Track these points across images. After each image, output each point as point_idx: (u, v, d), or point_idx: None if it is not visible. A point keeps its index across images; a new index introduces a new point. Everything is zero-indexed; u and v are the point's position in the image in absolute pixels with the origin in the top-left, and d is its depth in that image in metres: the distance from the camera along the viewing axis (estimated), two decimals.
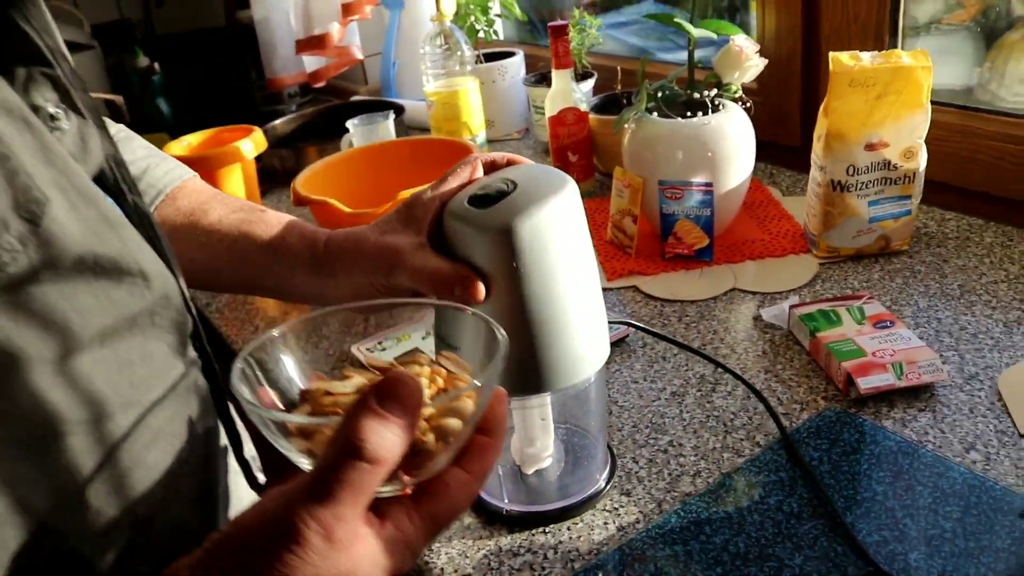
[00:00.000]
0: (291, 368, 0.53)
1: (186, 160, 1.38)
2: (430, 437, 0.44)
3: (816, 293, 1.03)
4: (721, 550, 0.69)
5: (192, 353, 0.57)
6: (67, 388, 0.45)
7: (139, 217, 0.54)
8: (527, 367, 0.65)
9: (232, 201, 0.79)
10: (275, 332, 0.53)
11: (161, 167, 0.81)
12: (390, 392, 0.40)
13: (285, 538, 0.38)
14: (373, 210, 1.08)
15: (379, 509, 0.43)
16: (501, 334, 0.50)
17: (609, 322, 0.74)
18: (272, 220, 0.76)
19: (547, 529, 0.74)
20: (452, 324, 0.61)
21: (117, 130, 0.80)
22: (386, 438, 0.39)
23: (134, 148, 0.80)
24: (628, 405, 0.88)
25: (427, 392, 0.47)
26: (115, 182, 0.53)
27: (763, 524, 0.71)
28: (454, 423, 0.45)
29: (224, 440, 0.61)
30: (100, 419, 0.46)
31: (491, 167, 0.70)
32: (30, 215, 0.42)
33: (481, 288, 0.62)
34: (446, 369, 0.52)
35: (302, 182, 1.20)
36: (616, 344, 0.98)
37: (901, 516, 0.70)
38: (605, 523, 0.74)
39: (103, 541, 0.47)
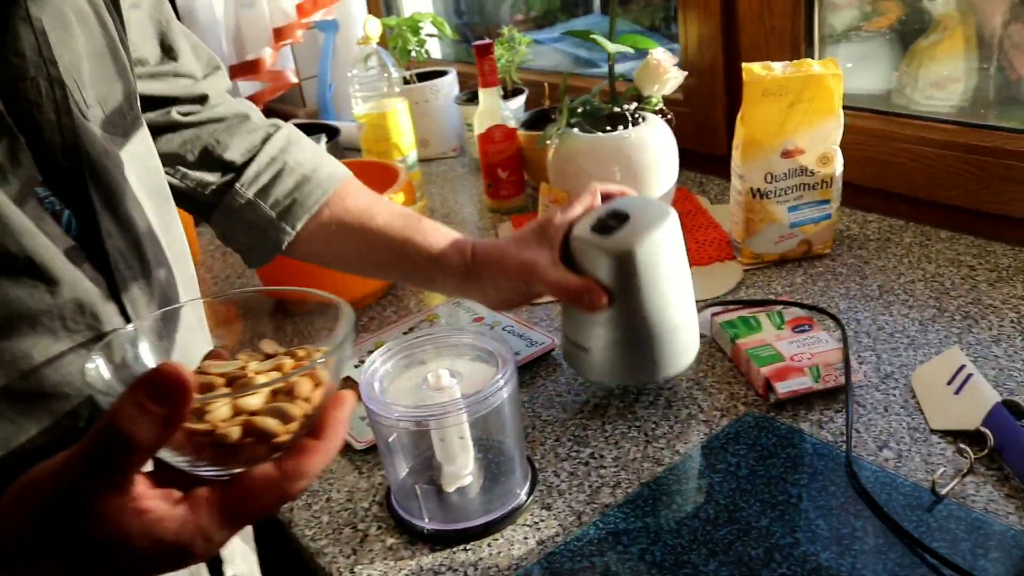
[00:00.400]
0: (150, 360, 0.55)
1: None
2: (234, 431, 0.44)
3: (721, 301, 1.04)
4: (638, 560, 0.69)
5: None
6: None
7: (78, 228, 0.57)
8: (643, 360, 0.83)
9: (393, 207, 0.90)
10: (128, 328, 0.55)
11: (327, 167, 0.90)
12: (152, 383, 0.40)
13: (59, 505, 0.41)
14: None
15: (186, 490, 0.44)
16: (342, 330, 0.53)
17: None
18: (429, 229, 0.88)
19: (468, 546, 0.74)
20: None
21: (289, 131, 0.90)
22: (139, 427, 0.40)
23: (304, 147, 0.90)
24: (551, 419, 0.88)
25: (260, 380, 0.47)
26: (50, 195, 0.56)
27: (679, 531, 0.71)
28: (271, 422, 0.45)
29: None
30: None
31: (607, 196, 0.86)
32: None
33: (604, 298, 0.79)
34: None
35: None
36: (540, 359, 0.98)
37: (815, 517, 0.71)
38: (525, 538, 0.74)
39: None
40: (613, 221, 0.81)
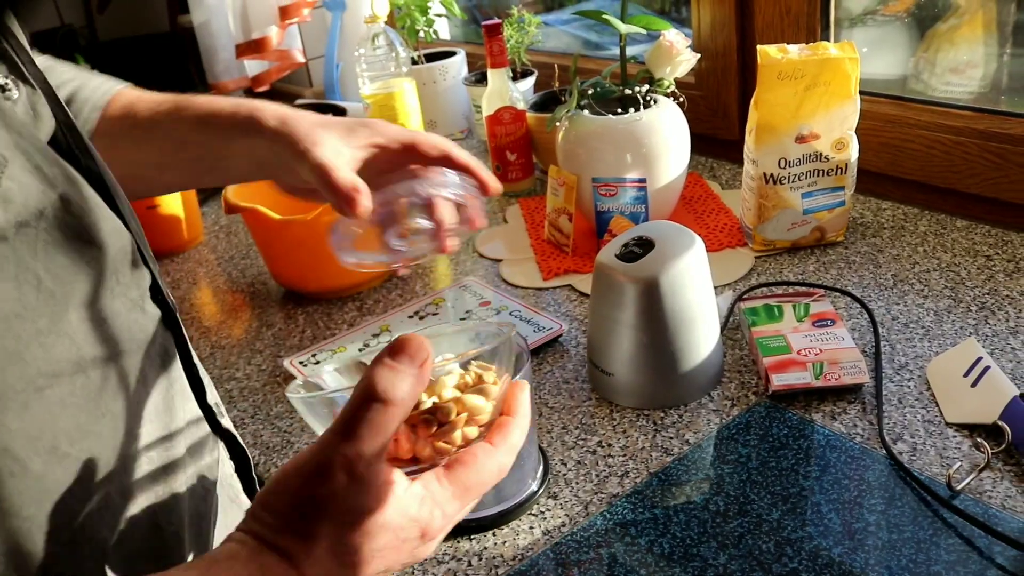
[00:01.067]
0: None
1: None
2: (452, 406, 0.50)
3: (752, 286, 1.03)
4: (646, 551, 0.68)
5: (152, 307, 0.57)
6: (46, 347, 0.46)
7: (93, 179, 0.54)
8: (668, 386, 0.84)
9: (159, 95, 0.77)
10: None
11: (91, 84, 0.77)
12: (399, 347, 0.45)
13: (316, 477, 0.44)
14: (303, 216, 1.06)
15: (411, 476, 0.48)
16: (507, 331, 0.57)
17: None
18: (202, 100, 0.75)
19: (472, 536, 0.73)
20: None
21: (41, 60, 0.76)
22: (396, 382, 0.44)
23: (60, 72, 0.77)
24: (558, 406, 0.87)
25: (455, 382, 0.53)
26: (68, 147, 0.54)
27: (688, 523, 0.70)
28: (476, 399, 0.51)
29: (187, 387, 0.61)
30: (75, 375, 0.48)
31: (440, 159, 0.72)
32: None
33: (362, 205, 0.64)
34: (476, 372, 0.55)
35: (234, 189, 1.18)
36: (548, 345, 0.97)
37: (827, 511, 0.69)
38: (531, 527, 0.72)
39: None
40: (638, 248, 0.82)
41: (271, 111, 0.69)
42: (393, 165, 0.70)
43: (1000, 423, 0.73)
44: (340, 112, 1.63)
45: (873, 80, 1.23)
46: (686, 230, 0.85)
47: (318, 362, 1.00)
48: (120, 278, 0.53)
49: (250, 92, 2.12)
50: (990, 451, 0.72)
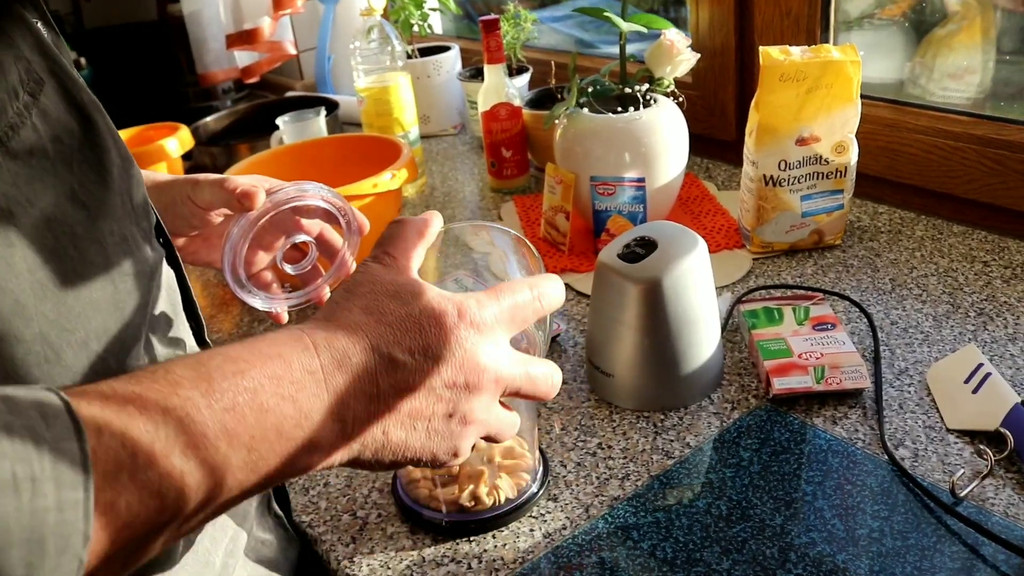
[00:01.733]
0: None
1: None
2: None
3: (749, 288, 1.02)
4: (648, 556, 0.67)
5: (156, 244, 0.59)
6: (80, 250, 0.48)
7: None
8: (669, 388, 0.83)
9: None
10: None
11: None
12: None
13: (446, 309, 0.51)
14: None
15: None
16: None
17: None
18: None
19: (472, 537, 0.72)
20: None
21: None
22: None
23: None
24: (556, 407, 0.86)
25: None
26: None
27: (691, 528, 0.69)
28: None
29: (186, 324, 0.64)
30: (104, 281, 0.50)
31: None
32: (31, 90, 0.47)
33: (256, 198, 0.67)
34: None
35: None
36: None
37: (830, 516, 0.69)
38: (531, 530, 0.72)
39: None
40: (640, 248, 0.82)
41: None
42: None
43: (1002, 430, 0.73)
44: (332, 106, 1.62)
45: (869, 84, 1.23)
46: (689, 231, 0.84)
47: None
48: (135, 207, 0.55)
49: (240, 83, 2.10)
50: (992, 458, 0.71)
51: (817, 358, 0.84)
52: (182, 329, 0.62)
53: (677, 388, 0.83)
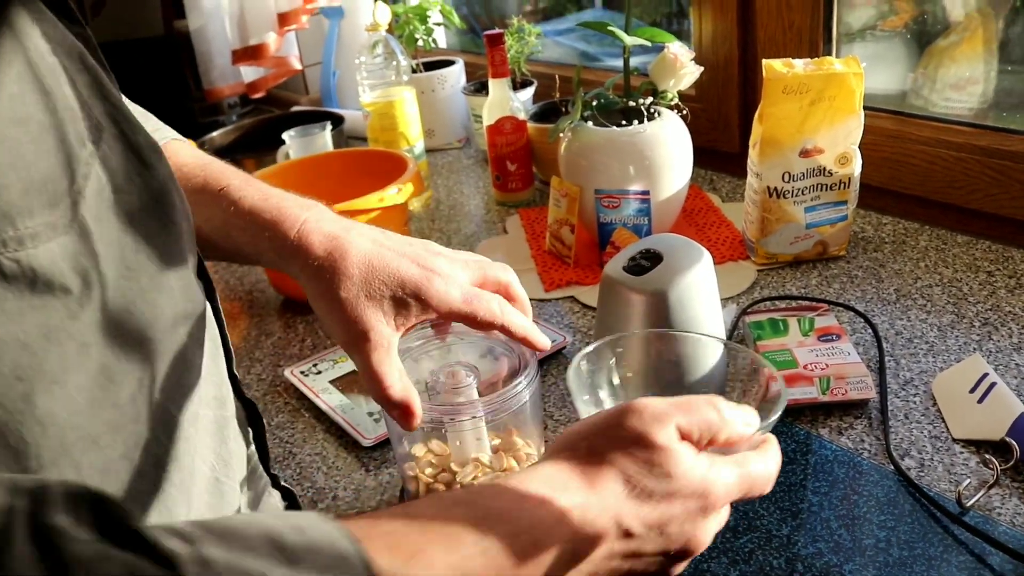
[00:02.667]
0: None
1: None
2: None
3: (755, 300, 1.03)
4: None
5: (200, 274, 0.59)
6: (131, 311, 0.46)
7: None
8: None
9: (201, 165, 0.71)
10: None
11: (147, 125, 0.72)
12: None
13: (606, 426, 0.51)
14: None
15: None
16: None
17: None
18: (247, 198, 0.68)
19: None
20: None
21: None
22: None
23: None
24: (563, 419, 0.86)
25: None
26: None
27: None
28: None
29: (223, 360, 0.63)
30: (175, 328, 0.50)
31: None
32: (94, 137, 0.45)
33: (415, 422, 0.64)
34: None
35: None
36: (552, 357, 0.96)
37: (836, 527, 0.69)
38: None
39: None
40: (646, 261, 0.82)
41: (322, 260, 0.63)
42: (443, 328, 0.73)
43: (1008, 439, 0.73)
44: (338, 120, 1.63)
45: (873, 95, 1.24)
46: (694, 243, 0.84)
47: (319, 372, 0.99)
48: (191, 247, 0.54)
49: (246, 98, 2.12)
50: (998, 467, 0.72)
51: (823, 369, 0.85)
52: (221, 367, 0.61)
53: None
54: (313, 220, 0.65)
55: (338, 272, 0.62)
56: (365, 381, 0.63)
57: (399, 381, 0.63)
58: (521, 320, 0.67)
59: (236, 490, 0.60)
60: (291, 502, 0.75)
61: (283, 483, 0.74)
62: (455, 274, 0.65)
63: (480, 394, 0.71)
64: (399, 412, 0.63)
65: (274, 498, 0.72)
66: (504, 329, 0.66)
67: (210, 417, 0.58)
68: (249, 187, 0.68)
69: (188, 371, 0.52)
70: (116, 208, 0.45)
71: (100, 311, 0.43)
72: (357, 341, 0.62)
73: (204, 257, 0.64)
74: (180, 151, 0.74)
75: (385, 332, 0.62)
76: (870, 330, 0.93)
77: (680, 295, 0.80)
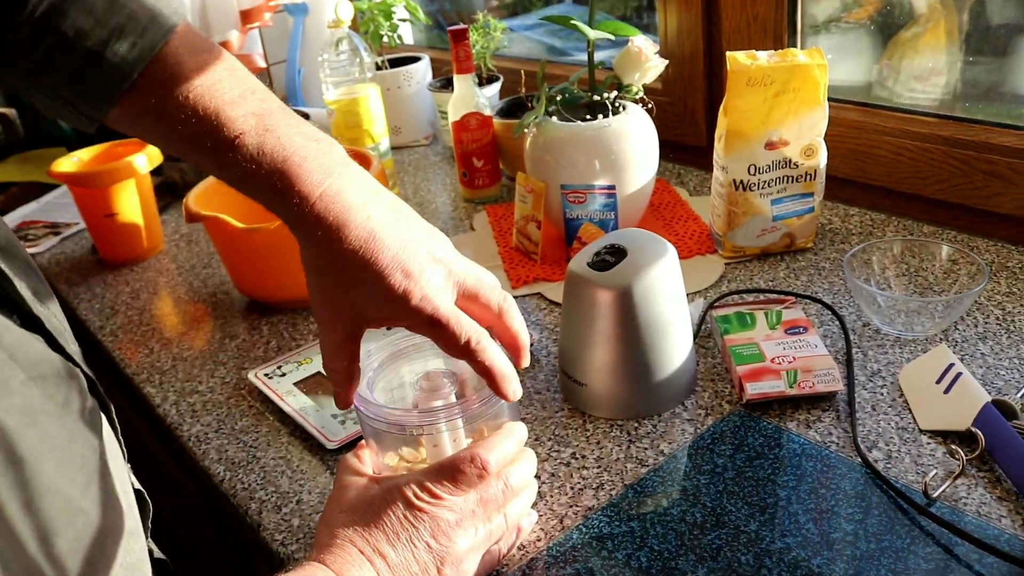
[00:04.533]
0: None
1: (76, 177, 1.33)
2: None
3: (722, 294, 1.02)
4: (623, 565, 0.67)
5: (89, 401, 0.56)
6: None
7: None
8: (641, 396, 0.83)
9: (217, 93, 0.59)
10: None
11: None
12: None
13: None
14: (267, 225, 1.04)
15: None
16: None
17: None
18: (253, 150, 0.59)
19: None
20: None
21: None
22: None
23: None
24: (530, 417, 0.85)
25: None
26: None
27: (666, 536, 0.69)
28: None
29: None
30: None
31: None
32: None
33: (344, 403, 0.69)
34: None
35: (195, 197, 1.15)
36: None
37: (805, 521, 0.69)
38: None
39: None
40: (610, 256, 0.81)
41: (325, 228, 0.60)
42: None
43: (974, 429, 0.73)
44: (304, 117, 1.61)
45: (838, 87, 1.24)
46: (658, 238, 0.84)
47: (284, 374, 0.98)
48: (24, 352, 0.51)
49: None
50: (964, 458, 0.72)
51: (790, 362, 0.84)
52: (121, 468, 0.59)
53: (650, 395, 0.83)
54: (330, 194, 0.60)
55: (335, 255, 0.60)
56: (322, 350, 0.67)
57: (350, 364, 0.66)
58: (492, 360, 0.64)
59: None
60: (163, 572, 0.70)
61: (155, 556, 0.69)
62: (438, 292, 0.62)
63: (457, 394, 0.70)
64: (338, 390, 0.68)
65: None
66: (471, 362, 0.64)
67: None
68: (268, 135, 0.60)
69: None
70: None
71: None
72: (330, 322, 0.64)
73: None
74: (184, 54, 0.59)
75: (356, 323, 0.64)
76: (837, 322, 0.93)
77: (645, 290, 0.79)
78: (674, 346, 0.82)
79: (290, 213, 0.61)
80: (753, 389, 0.81)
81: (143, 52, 0.57)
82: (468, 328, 0.63)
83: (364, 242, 0.60)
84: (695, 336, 0.91)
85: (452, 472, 0.63)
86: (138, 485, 0.63)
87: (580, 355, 0.83)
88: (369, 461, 0.71)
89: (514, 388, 0.66)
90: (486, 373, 0.64)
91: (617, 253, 0.82)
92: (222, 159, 0.59)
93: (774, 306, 0.94)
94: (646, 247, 0.82)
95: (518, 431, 0.69)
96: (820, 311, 0.96)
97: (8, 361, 0.48)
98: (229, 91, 0.60)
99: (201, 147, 0.59)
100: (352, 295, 0.62)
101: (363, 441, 0.72)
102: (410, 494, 0.62)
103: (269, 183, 0.59)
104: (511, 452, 0.67)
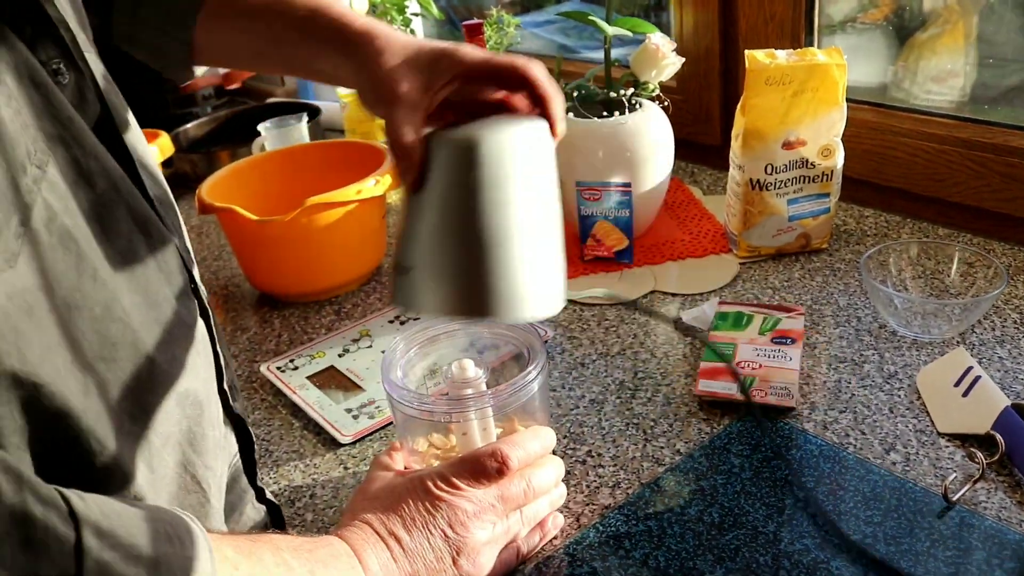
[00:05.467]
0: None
1: None
2: None
3: (737, 294, 1.02)
4: (641, 565, 0.66)
5: (191, 297, 0.61)
6: (107, 330, 0.49)
7: (128, 167, 0.56)
8: (477, 290, 0.63)
9: None
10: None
11: None
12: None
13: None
14: (281, 217, 1.03)
15: None
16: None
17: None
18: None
19: None
20: None
21: None
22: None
23: None
24: (564, 407, 0.85)
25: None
26: (109, 133, 0.55)
27: (684, 536, 0.68)
28: None
29: (214, 372, 0.64)
30: (134, 358, 0.51)
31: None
32: (38, 163, 0.46)
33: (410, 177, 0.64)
34: None
35: (208, 189, 1.15)
36: None
37: (823, 523, 0.68)
38: None
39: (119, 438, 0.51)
40: (471, 118, 0.67)
41: (368, 37, 0.67)
42: (474, 94, 0.68)
43: (993, 433, 0.73)
44: (314, 112, 1.61)
45: (854, 88, 1.23)
46: (535, 117, 0.67)
47: (296, 368, 0.97)
48: (163, 266, 0.56)
49: (220, 89, 2.08)
50: (984, 461, 0.71)
51: (754, 368, 0.84)
52: (211, 385, 0.63)
53: (487, 292, 0.63)
54: (372, 22, 0.69)
55: (386, 48, 0.66)
56: (388, 136, 0.65)
57: (413, 135, 0.63)
58: (549, 81, 0.65)
59: (210, 492, 0.60)
60: (276, 516, 0.74)
61: (268, 497, 0.74)
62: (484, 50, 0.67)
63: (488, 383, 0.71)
64: (403, 163, 0.64)
65: (256, 511, 0.71)
66: (529, 81, 0.65)
67: (189, 418, 0.58)
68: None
69: (166, 379, 0.55)
70: (65, 235, 0.47)
71: (56, 330, 0.46)
72: (390, 98, 0.65)
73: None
74: None
75: (416, 92, 0.64)
76: (851, 324, 0.92)
77: (494, 151, 0.62)
78: (526, 237, 0.64)
79: (346, 34, 0.68)
80: (704, 386, 0.83)
81: None
82: (520, 57, 0.65)
83: (413, 38, 0.67)
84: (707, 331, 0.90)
85: (473, 465, 0.64)
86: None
87: (409, 231, 0.66)
88: (400, 460, 0.71)
89: (561, 122, 0.66)
90: (544, 91, 0.65)
91: (479, 116, 0.67)
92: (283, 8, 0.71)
93: (778, 313, 0.93)
94: (513, 117, 0.67)
95: (544, 434, 0.70)
96: (835, 312, 0.95)
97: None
98: None
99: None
100: (415, 64, 0.65)
101: (395, 442, 0.73)
102: (430, 484, 0.63)
103: (327, 18, 0.69)
104: (535, 452, 0.68)
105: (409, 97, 0.64)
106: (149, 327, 0.53)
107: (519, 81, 0.65)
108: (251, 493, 0.71)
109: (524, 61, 0.65)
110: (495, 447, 0.65)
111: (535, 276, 0.64)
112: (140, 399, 0.52)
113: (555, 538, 0.70)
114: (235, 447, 0.69)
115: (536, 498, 0.67)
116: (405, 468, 0.71)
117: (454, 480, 0.63)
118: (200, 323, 0.61)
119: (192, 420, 0.58)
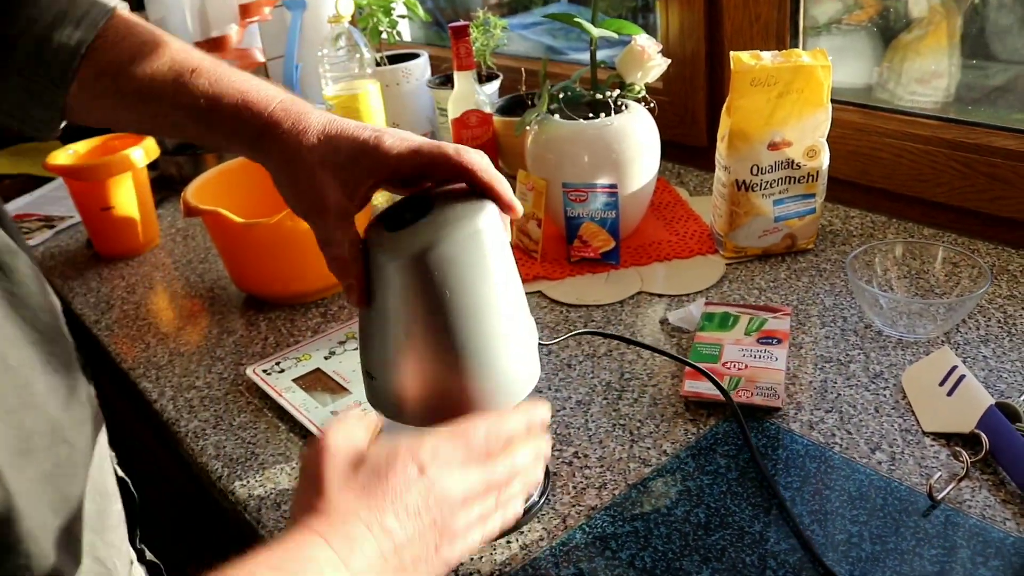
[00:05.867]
0: None
1: (72, 170, 1.32)
2: None
3: (724, 295, 1.02)
4: (627, 566, 0.66)
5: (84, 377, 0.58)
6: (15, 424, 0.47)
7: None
8: (454, 400, 0.63)
9: (167, 51, 0.67)
10: None
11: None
12: None
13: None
14: (267, 220, 1.03)
15: None
16: None
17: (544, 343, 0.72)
18: (205, 81, 0.66)
19: None
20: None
21: None
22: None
23: None
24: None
25: None
26: None
27: (670, 537, 0.68)
28: None
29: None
30: (52, 446, 0.50)
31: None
32: None
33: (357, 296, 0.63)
34: None
35: (194, 191, 1.14)
36: None
37: (809, 522, 0.68)
38: (508, 542, 0.70)
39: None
40: (409, 213, 0.62)
41: (277, 131, 0.63)
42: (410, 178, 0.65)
43: (977, 432, 0.73)
44: None
45: (839, 89, 1.23)
46: (476, 196, 0.63)
47: (282, 370, 0.97)
48: (55, 349, 0.53)
49: None
50: (968, 460, 0.71)
51: (740, 369, 0.85)
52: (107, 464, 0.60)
53: (452, 401, 0.63)
54: (282, 105, 0.65)
55: (301, 145, 0.63)
56: (321, 249, 0.64)
57: (349, 247, 0.62)
58: (487, 166, 0.62)
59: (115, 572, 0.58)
60: None
61: (148, 558, 0.71)
62: (407, 135, 0.63)
63: None
64: (344, 280, 0.63)
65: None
66: (465, 171, 0.61)
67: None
68: (217, 70, 0.68)
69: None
70: None
71: None
72: (315, 208, 0.63)
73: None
74: (129, 28, 0.69)
75: (342, 201, 0.63)
76: (837, 324, 0.93)
77: (446, 260, 0.59)
78: (492, 340, 0.62)
79: (251, 128, 0.64)
80: (690, 387, 0.83)
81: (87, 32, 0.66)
82: (449, 144, 0.62)
83: (328, 123, 0.63)
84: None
85: (465, 447, 0.58)
86: (122, 474, 0.65)
87: (366, 342, 0.66)
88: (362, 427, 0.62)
89: (514, 198, 0.63)
90: (482, 179, 0.61)
91: (419, 208, 0.63)
92: (180, 99, 0.66)
93: (764, 314, 0.93)
94: (458, 204, 0.62)
95: (534, 410, 0.62)
96: (822, 312, 0.95)
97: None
98: (175, 46, 0.68)
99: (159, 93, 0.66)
100: (333, 165, 0.62)
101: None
102: (418, 466, 0.56)
103: (231, 109, 0.65)
104: (519, 429, 0.61)
105: (337, 207, 0.62)
106: (64, 411, 0.52)
107: (454, 171, 0.62)
108: (131, 555, 0.65)
109: (455, 149, 0.61)
110: (488, 428, 0.58)
111: (498, 372, 0.63)
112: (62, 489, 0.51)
113: (541, 539, 0.70)
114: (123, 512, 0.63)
115: (517, 481, 0.61)
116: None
117: (443, 458, 0.56)
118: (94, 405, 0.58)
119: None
